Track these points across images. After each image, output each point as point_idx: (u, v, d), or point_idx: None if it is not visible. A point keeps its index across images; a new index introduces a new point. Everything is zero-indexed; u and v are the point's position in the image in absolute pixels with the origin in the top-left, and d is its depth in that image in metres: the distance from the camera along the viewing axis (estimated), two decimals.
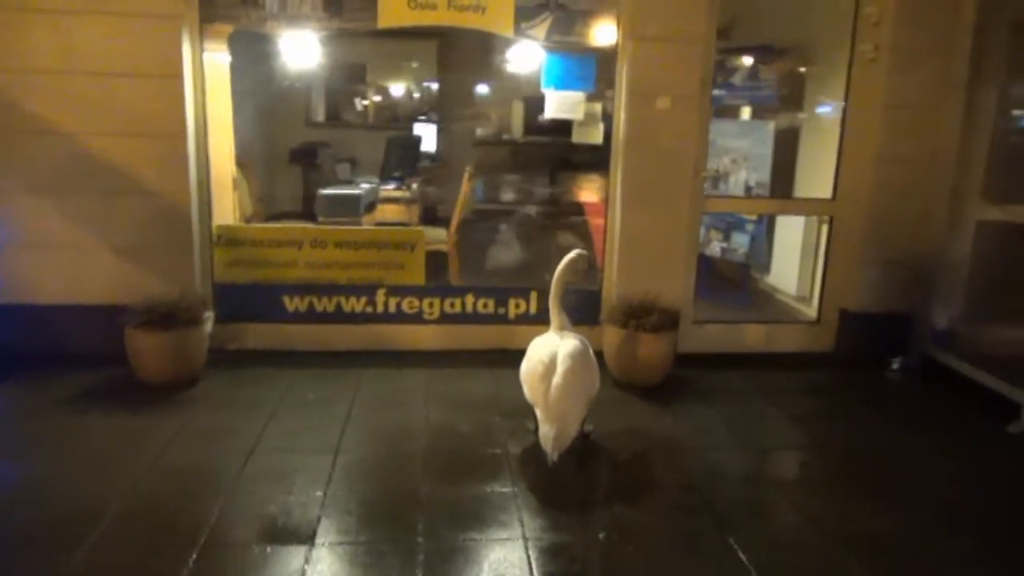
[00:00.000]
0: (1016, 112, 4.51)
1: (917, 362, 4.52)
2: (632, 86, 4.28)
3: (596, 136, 5.05)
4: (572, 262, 3.43)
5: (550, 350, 3.22)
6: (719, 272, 5.85)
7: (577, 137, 5.25)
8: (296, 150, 7.40)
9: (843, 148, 4.63)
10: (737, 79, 5.67)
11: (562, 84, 4.53)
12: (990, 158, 4.39)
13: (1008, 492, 3.23)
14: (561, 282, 3.43)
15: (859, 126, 4.56)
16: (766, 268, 5.84)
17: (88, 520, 2.70)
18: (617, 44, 4.33)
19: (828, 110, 5.21)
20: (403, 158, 6.03)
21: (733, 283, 5.77)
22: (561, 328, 3.39)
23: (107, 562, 2.49)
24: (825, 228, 4.96)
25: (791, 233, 5.55)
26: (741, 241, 5.57)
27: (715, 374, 4.41)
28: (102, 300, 4.09)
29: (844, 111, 4.62)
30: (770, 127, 5.51)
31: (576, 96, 4.59)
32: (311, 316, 4.48)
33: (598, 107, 4.97)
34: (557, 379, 3.11)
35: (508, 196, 6.27)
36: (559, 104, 4.56)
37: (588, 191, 5.81)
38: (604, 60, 4.47)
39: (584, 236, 5.55)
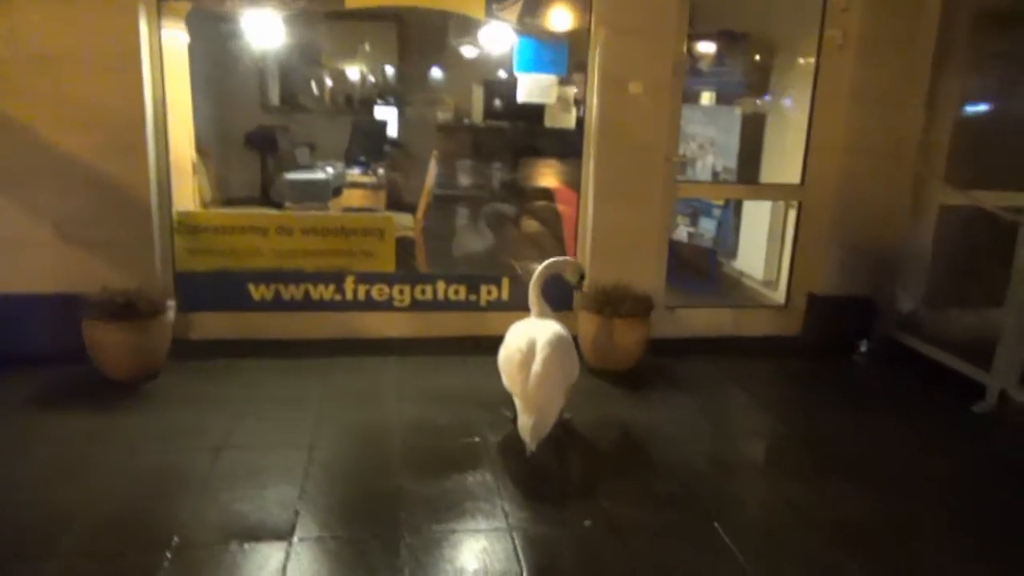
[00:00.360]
0: (977, 99, 4.58)
1: (882, 346, 4.58)
2: (604, 71, 4.23)
3: (568, 121, 4.99)
4: (561, 265, 3.43)
5: (528, 337, 3.16)
6: (685, 257, 5.85)
7: (549, 121, 5.18)
8: (252, 134, 7.14)
9: (811, 134, 4.65)
10: (703, 65, 5.66)
11: (534, 68, 4.45)
12: (952, 144, 4.46)
13: (982, 472, 3.30)
14: (544, 275, 3.41)
15: (827, 112, 4.58)
16: (733, 253, 5.86)
17: (57, 527, 2.56)
18: (589, 29, 4.26)
19: (794, 97, 5.22)
20: (368, 143, 5.89)
21: (699, 268, 5.78)
22: (541, 315, 3.34)
23: (82, 572, 2.37)
24: (792, 213, 5.00)
25: (758, 218, 5.57)
26: (708, 226, 5.58)
27: (687, 360, 4.41)
28: (58, 291, 3.89)
29: (812, 98, 4.63)
30: (736, 113, 5.51)
31: (548, 80, 4.52)
32: (278, 304, 4.35)
33: (571, 91, 4.90)
34: (536, 367, 3.06)
35: (473, 182, 6.16)
36: (531, 88, 4.48)
37: (555, 177, 5.75)
38: (576, 44, 4.40)
39: (553, 222, 5.49)
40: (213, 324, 4.28)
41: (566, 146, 4.91)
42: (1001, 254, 4.14)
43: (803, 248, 4.80)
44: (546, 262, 3.42)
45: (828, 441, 3.52)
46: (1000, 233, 4.23)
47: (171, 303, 3.95)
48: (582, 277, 3.59)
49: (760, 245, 5.48)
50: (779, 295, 5.06)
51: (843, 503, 2.96)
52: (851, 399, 4.06)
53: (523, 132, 5.96)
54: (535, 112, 5.18)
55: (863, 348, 4.59)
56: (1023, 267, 3.74)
